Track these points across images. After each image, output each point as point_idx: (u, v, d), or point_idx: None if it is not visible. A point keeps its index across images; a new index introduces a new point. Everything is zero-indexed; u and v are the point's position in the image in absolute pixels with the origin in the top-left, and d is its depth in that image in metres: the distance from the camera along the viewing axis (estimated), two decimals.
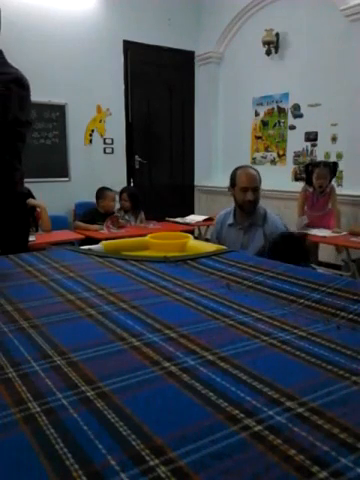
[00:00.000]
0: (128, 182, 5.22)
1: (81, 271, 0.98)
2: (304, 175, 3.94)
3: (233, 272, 0.95)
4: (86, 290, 0.84)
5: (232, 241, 2.47)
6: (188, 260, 1.07)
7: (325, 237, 3.33)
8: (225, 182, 5.18)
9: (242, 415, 0.43)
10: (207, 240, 3.71)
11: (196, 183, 5.95)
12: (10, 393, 0.48)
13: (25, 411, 0.44)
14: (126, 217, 4.15)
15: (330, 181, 3.59)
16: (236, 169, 2.45)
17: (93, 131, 4.95)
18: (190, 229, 4.05)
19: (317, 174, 3.53)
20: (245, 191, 2.34)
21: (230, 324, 0.67)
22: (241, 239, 2.43)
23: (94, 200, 4.14)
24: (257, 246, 2.35)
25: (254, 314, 0.71)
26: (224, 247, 1.23)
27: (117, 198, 4.54)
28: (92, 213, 4.01)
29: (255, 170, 2.44)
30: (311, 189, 3.61)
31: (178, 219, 4.37)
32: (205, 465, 0.36)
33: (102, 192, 4.06)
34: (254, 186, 2.35)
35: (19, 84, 1.77)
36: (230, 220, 2.49)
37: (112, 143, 5.09)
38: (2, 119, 1.70)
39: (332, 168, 3.55)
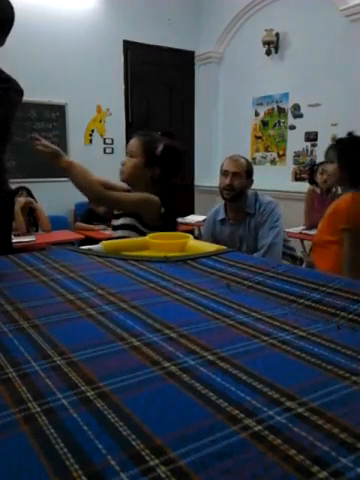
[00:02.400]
0: None
1: (81, 271, 0.98)
2: (308, 175, 3.91)
3: (233, 272, 0.95)
4: (86, 290, 0.84)
5: (225, 236, 2.37)
6: (188, 260, 1.07)
7: None
8: None
9: (242, 415, 0.43)
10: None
11: (196, 183, 5.95)
12: (10, 393, 0.48)
13: (25, 411, 0.44)
14: None
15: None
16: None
17: (93, 131, 4.96)
18: (190, 229, 4.05)
19: (322, 169, 3.44)
20: (225, 175, 2.25)
21: (230, 324, 0.67)
22: (238, 234, 2.35)
23: None
24: (255, 237, 2.28)
25: (254, 314, 0.71)
26: (224, 247, 1.23)
27: None
28: (89, 213, 4.03)
29: (244, 158, 2.33)
30: (319, 190, 3.56)
31: (178, 219, 4.38)
32: (205, 465, 0.36)
33: None
34: (233, 171, 2.23)
35: (19, 93, 1.87)
36: (221, 215, 2.42)
37: (112, 143, 5.09)
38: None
39: None
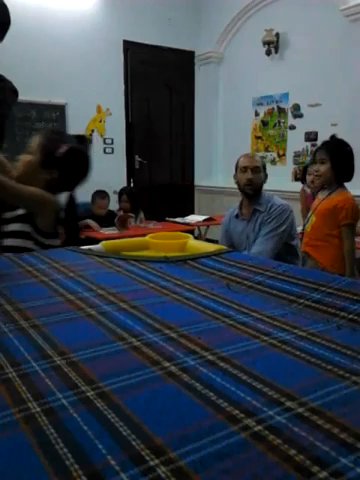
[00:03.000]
0: (128, 182, 5.22)
1: (81, 271, 0.98)
2: (301, 175, 3.95)
3: (233, 272, 0.95)
4: (86, 290, 0.84)
5: (238, 233, 2.43)
6: (188, 260, 1.07)
7: None
8: (225, 182, 5.19)
9: (242, 415, 0.43)
10: (207, 240, 3.71)
11: (196, 183, 5.95)
12: (10, 393, 0.48)
13: (25, 411, 0.44)
14: None
15: None
16: (239, 157, 2.48)
17: (93, 131, 4.96)
18: (190, 229, 4.05)
19: (310, 170, 3.40)
20: (244, 171, 2.32)
21: (230, 324, 0.67)
22: (246, 230, 2.39)
23: None
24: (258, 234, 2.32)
25: (254, 314, 0.71)
26: (224, 247, 1.23)
27: (116, 198, 4.55)
28: (86, 216, 4.05)
29: (259, 157, 2.49)
30: (309, 190, 3.59)
31: (178, 219, 4.38)
32: (205, 465, 0.36)
33: (93, 198, 4.10)
34: (253, 166, 2.32)
35: (14, 93, 1.86)
36: (236, 211, 2.48)
37: (112, 143, 5.09)
38: None
39: None
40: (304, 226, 2.53)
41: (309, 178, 3.45)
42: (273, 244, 2.24)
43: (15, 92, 1.88)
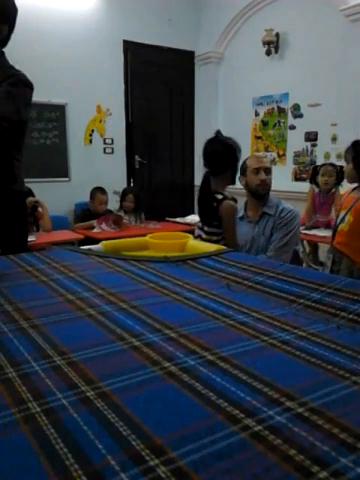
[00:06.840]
0: (128, 182, 5.22)
1: (81, 271, 0.98)
2: (309, 175, 3.99)
3: (233, 272, 0.95)
4: (86, 290, 0.84)
5: (241, 233, 2.40)
6: (188, 260, 1.07)
7: (325, 237, 3.32)
8: None
9: (242, 415, 0.43)
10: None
11: (196, 183, 5.95)
12: (10, 393, 0.48)
13: (25, 411, 0.44)
14: (126, 217, 4.16)
15: (337, 183, 3.60)
16: (245, 159, 2.43)
17: (93, 131, 4.95)
18: (190, 229, 4.05)
19: (323, 171, 3.56)
20: (257, 172, 2.28)
21: (230, 324, 0.67)
22: (252, 232, 2.37)
23: None
24: (268, 238, 2.30)
25: (254, 314, 0.71)
26: (224, 247, 1.23)
27: (117, 198, 4.54)
28: (85, 214, 4.05)
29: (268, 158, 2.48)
30: (317, 190, 3.63)
31: (178, 219, 4.37)
32: (205, 465, 0.36)
33: (93, 193, 4.11)
34: (265, 167, 2.29)
35: (27, 85, 1.82)
36: (240, 213, 2.44)
37: (112, 143, 5.08)
38: (13, 116, 1.74)
39: (339, 170, 3.56)
40: (337, 225, 2.48)
41: (323, 179, 3.55)
42: (286, 254, 2.24)
43: (24, 82, 1.82)
